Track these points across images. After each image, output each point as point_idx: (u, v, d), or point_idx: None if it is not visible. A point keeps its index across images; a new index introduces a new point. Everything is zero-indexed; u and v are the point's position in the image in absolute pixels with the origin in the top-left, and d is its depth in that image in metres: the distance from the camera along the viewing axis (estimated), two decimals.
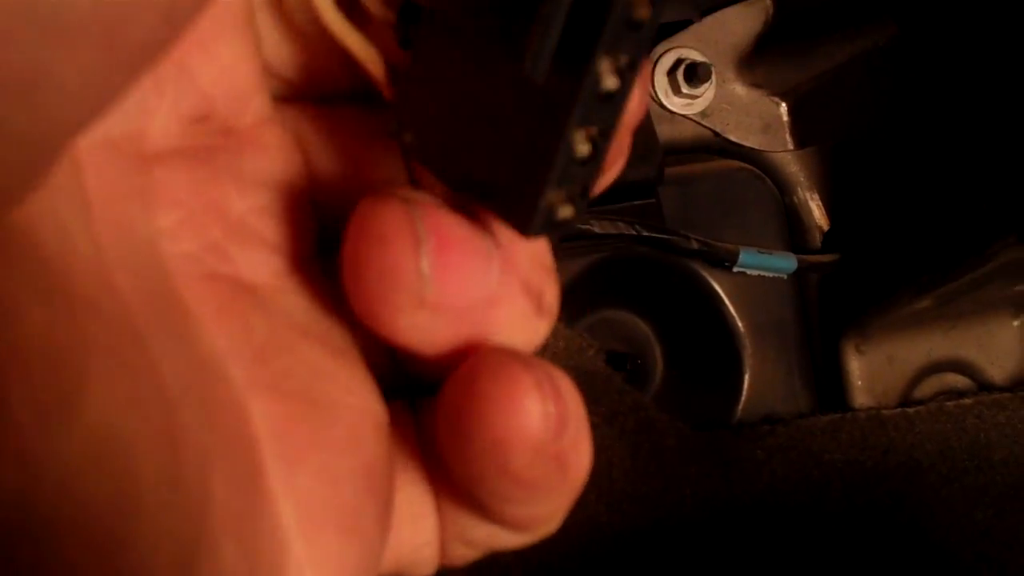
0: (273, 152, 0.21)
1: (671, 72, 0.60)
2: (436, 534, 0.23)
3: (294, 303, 0.21)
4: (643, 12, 0.16)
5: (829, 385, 0.63)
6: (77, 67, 0.12)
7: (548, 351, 0.56)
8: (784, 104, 0.62)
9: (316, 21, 0.19)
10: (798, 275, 0.62)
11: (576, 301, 0.60)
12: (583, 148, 0.17)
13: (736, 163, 0.62)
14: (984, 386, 0.64)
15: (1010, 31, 0.42)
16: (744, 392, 0.61)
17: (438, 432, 0.20)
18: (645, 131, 0.57)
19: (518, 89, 0.17)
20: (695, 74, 0.59)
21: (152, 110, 0.18)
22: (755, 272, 0.60)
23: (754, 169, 0.62)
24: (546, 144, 0.17)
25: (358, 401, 0.21)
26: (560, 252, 0.56)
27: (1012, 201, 0.46)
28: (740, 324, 0.61)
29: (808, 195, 0.64)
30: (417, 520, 0.22)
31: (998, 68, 0.43)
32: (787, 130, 0.63)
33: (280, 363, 0.20)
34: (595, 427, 0.56)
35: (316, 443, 0.20)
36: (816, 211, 0.64)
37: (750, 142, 0.62)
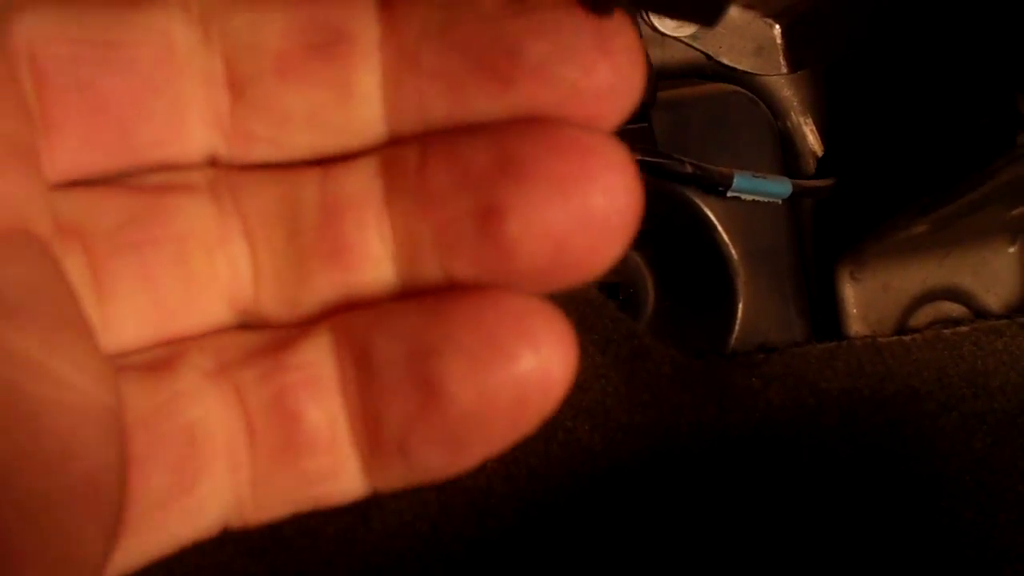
0: None
1: None
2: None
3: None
4: None
5: (824, 313, 0.62)
6: None
7: None
8: (778, 26, 0.61)
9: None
10: (792, 201, 0.61)
11: None
12: None
13: (728, 87, 0.61)
14: (980, 313, 0.63)
15: None
16: (738, 320, 0.60)
17: None
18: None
19: None
20: None
21: None
22: (749, 197, 0.59)
23: (747, 93, 0.61)
24: None
25: (75, 397, 0.17)
26: None
27: (1015, 113, 0.45)
28: (733, 251, 0.60)
29: (802, 119, 0.62)
30: None
31: None
32: (781, 53, 0.61)
33: None
34: (589, 355, 0.55)
35: (20, 461, 0.16)
36: (810, 136, 0.62)
37: (743, 65, 0.61)
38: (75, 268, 0.19)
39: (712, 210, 0.59)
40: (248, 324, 0.21)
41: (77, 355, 0.17)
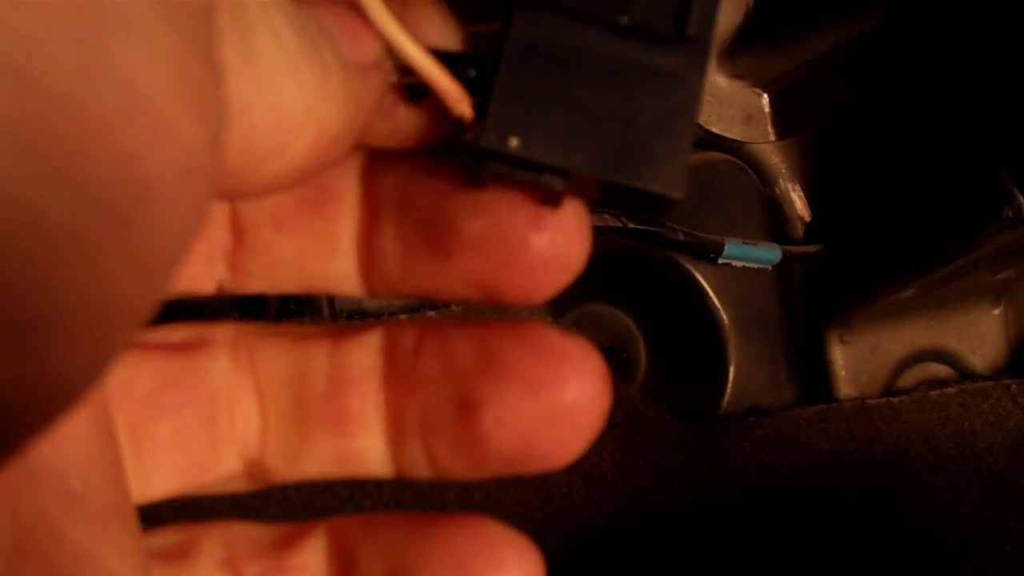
0: None
1: None
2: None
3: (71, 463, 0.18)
4: None
5: (813, 376, 0.63)
6: None
7: None
8: (766, 95, 0.62)
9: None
10: (781, 266, 0.62)
11: (561, 295, 0.59)
12: None
13: (718, 155, 0.62)
14: (966, 375, 0.64)
15: (993, 16, 0.42)
16: (729, 384, 0.61)
17: None
18: None
19: (641, 72, 0.19)
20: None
21: None
22: (740, 263, 0.60)
23: (736, 160, 0.62)
24: (680, 108, 0.18)
25: None
26: None
27: (1000, 185, 0.46)
28: (724, 316, 0.61)
29: (790, 186, 0.64)
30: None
31: (982, 52, 0.43)
32: (769, 121, 0.63)
33: (40, 553, 0.17)
34: None
35: None
36: (798, 202, 0.64)
37: (732, 133, 0.62)
38: (116, 428, 0.20)
39: (704, 276, 0.61)
40: (252, 475, 0.23)
41: (123, 546, 0.18)
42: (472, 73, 0.19)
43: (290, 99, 0.17)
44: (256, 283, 0.22)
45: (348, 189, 0.22)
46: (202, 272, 0.22)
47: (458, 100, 0.19)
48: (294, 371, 0.22)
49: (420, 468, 0.21)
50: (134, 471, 0.21)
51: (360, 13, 0.19)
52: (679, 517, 0.57)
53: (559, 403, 0.20)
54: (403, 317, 0.53)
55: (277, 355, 0.22)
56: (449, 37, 0.20)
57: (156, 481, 0.22)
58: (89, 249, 0.12)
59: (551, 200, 0.20)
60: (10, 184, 0.11)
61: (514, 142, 0.18)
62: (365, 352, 0.22)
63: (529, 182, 0.19)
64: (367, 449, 0.22)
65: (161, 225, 0.13)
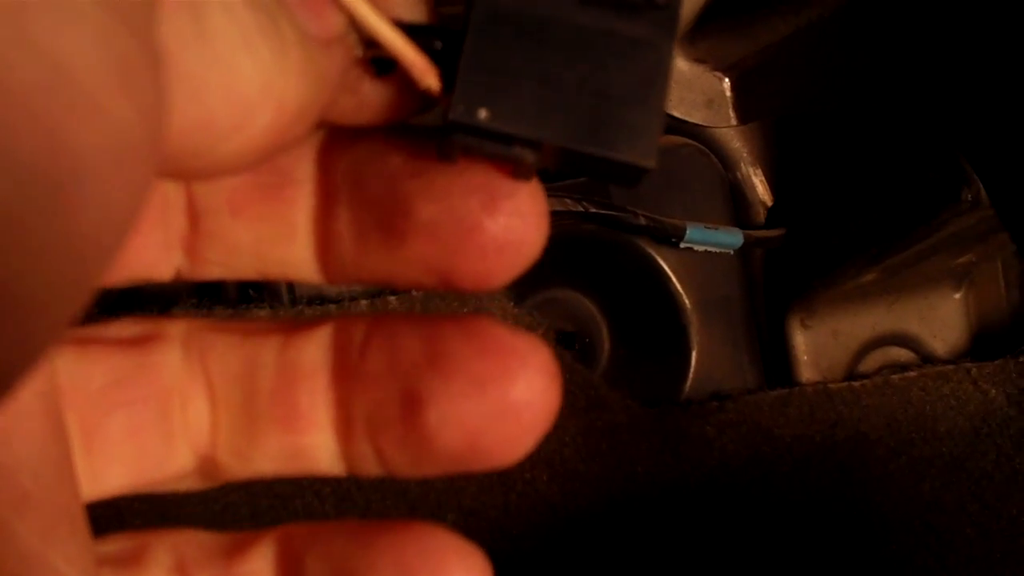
0: None
1: None
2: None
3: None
4: None
5: (776, 360, 0.63)
6: None
7: None
8: (727, 79, 0.62)
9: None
10: (743, 251, 0.62)
11: (523, 280, 0.59)
12: None
13: (680, 139, 0.62)
14: (927, 359, 0.64)
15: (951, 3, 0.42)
16: (692, 369, 0.61)
17: None
18: None
19: (610, 41, 0.18)
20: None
21: None
22: (702, 248, 0.60)
23: (698, 145, 0.62)
24: (652, 76, 0.18)
25: None
26: None
27: (959, 168, 0.46)
28: (687, 300, 0.61)
29: (752, 170, 0.64)
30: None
31: (940, 37, 0.43)
32: (730, 105, 0.62)
33: None
34: None
35: None
36: (760, 186, 0.64)
37: (694, 118, 0.62)
38: (67, 425, 0.20)
39: (666, 260, 0.61)
40: (204, 472, 0.22)
41: (71, 549, 0.18)
42: (438, 45, 0.19)
43: (247, 76, 0.16)
44: (214, 270, 0.22)
45: (305, 173, 0.21)
46: (159, 259, 0.22)
47: (424, 72, 0.19)
48: (244, 367, 0.22)
49: (369, 465, 0.21)
50: (86, 468, 0.21)
51: None
52: (642, 502, 0.56)
53: (505, 400, 0.20)
54: (363, 303, 0.53)
55: (228, 351, 0.22)
56: (415, 11, 0.20)
57: (108, 478, 0.21)
58: (16, 230, 0.12)
59: (522, 173, 0.19)
60: None
61: (483, 113, 0.18)
62: (315, 348, 0.21)
63: (499, 154, 0.19)
64: (317, 446, 0.21)
65: (94, 206, 0.13)
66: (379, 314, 0.21)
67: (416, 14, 0.20)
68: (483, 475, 0.54)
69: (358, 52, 0.19)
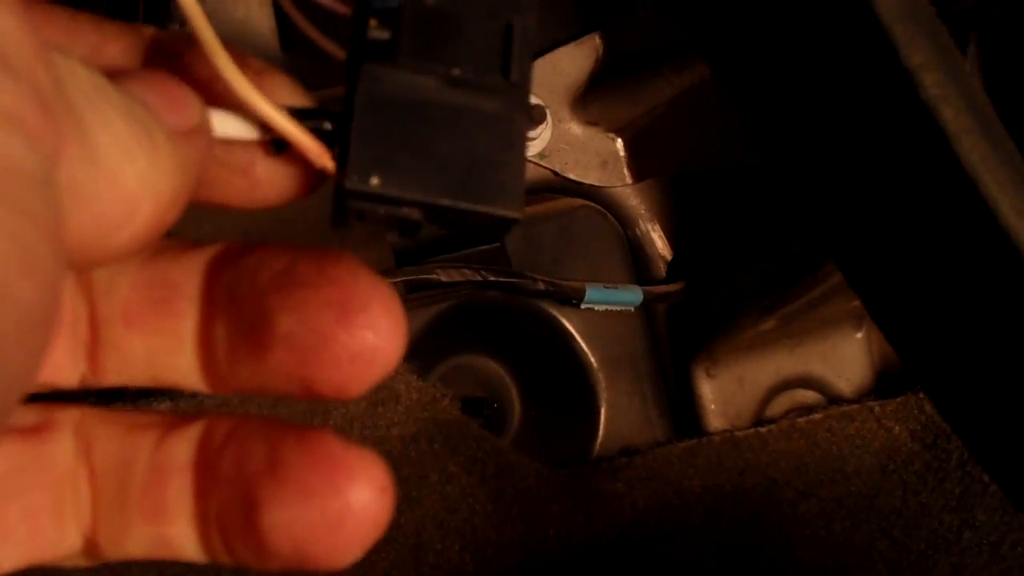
0: None
1: None
2: None
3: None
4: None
5: (684, 412, 0.64)
6: None
7: (402, 404, 0.56)
8: (620, 140, 0.64)
9: None
10: (646, 306, 0.63)
11: (428, 351, 0.60)
12: None
13: (577, 201, 0.63)
14: (833, 399, 0.66)
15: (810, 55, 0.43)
16: (601, 426, 0.62)
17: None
18: None
19: (474, 116, 0.21)
20: (530, 117, 0.60)
21: None
22: (603, 307, 0.61)
23: (595, 206, 0.63)
24: (511, 143, 0.21)
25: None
26: (407, 304, 0.56)
27: (826, 224, 0.48)
28: (593, 359, 0.62)
29: (650, 226, 0.65)
30: None
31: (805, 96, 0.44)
32: (624, 165, 0.64)
33: None
34: (455, 477, 0.57)
35: None
36: (659, 242, 0.65)
37: (589, 179, 0.63)
38: None
39: (569, 321, 0.62)
40: (89, 553, 0.24)
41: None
42: (328, 126, 0.22)
43: (130, 181, 0.18)
44: (111, 378, 0.24)
45: (193, 288, 0.23)
46: (67, 366, 0.23)
47: (319, 155, 0.21)
48: (122, 459, 0.23)
49: (223, 557, 0.23)
50: None
51: (180, 82, 0.20)
52: (556, 564, 0.57)
53: (330, 510, 0.21)
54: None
55: (110, 442, 0.23)
56: (298, 101, 0.22)
57: (3, 556, 0.22)
58: None
59: (408, 231, 0.22)
60: None
61: (374, 180, 0.21)
62: (184, 446, 0.23)
63: (391, 215, 0.21)
64: (181, 536, 0.23)
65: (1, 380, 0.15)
66: (243, 416, 0.23)
67: (297, 99, 0.22)
68: (393, 550, 0.55)
69: (255, 135, 0.21)
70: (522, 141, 0.22)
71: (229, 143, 0.22)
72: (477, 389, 0.63)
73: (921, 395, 0.64)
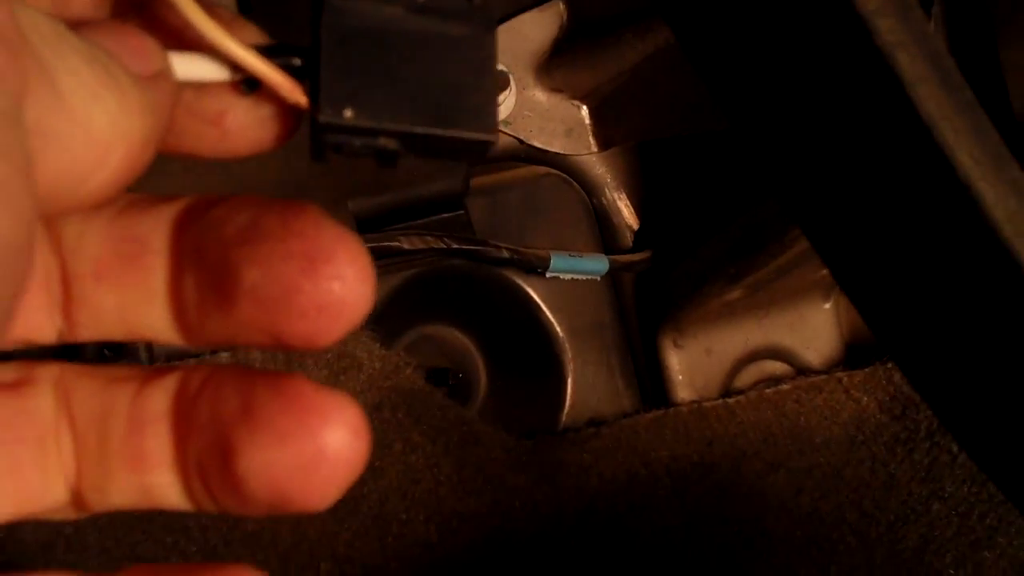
0: None
1: None
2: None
3: None
4: None
5: (651, 383, 0.64)
6: None
7: (364, 373, 0.55)
8: (585, 107, 0.63)
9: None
10: (612, 275, 0.62)
11: (392, 320, 0.59)
12: None
13: (542, 168, 0.62)
14: (801, 370, 0.65)
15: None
16: (568, 396, 0.61)
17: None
18: None
19: (442, 41, 0.22)
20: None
21: None
22: (568, 276, 0.60)
23: (560, 174, 0.62)
24: (480, 66, 0.22)
25: None
26: None
27: (789, 191, 0.47)
28: (559, 329, 0.61)
29: (616, 195, 0.64)
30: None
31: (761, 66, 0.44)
32: (590, 132, 0.63)
33: None
34: (419, 446, 0.56)
35: None
36: (625, 211, 0.64)
37: (554, 147, 0.62)
38: None
39: (535, 290, 0.61)
40: (76, 505, 0.24)
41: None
42: (297, 62, 0.22)
43: (99, 123, 0.19)
44: (85, 332, 0.24)
45: (161, 243, 0.23)
46: (44, 323, 0.23)
47: (291, 90, 0.21)
48: (101, 411, 0.23)
49: (207, 503, 0.23)
50: None
51: (140, 30, 0.21)
52: (521, 535, 0.56)
53: (305, 453, 0.21)
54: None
55: (90, 396, 0.24)
56: (259, 35, 0.23)
57: None
58: None
59: (387, 161, 0.22)
60: None
61: (348, 113, 0.21)
62: (161, 396, 0.23)
63: (368, 147, 0.21)
64: (164, 484, 0.23)
65: None
66: (217, 366, 0.23)
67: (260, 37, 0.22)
68: (357, 520, 0.54)
69: (226, 76, 0.22)
70: (491, 63, 0.22)
71: (200, 90, 0.22)
72: (442, 359, 0.62)
73: (889, 366, 0.63)
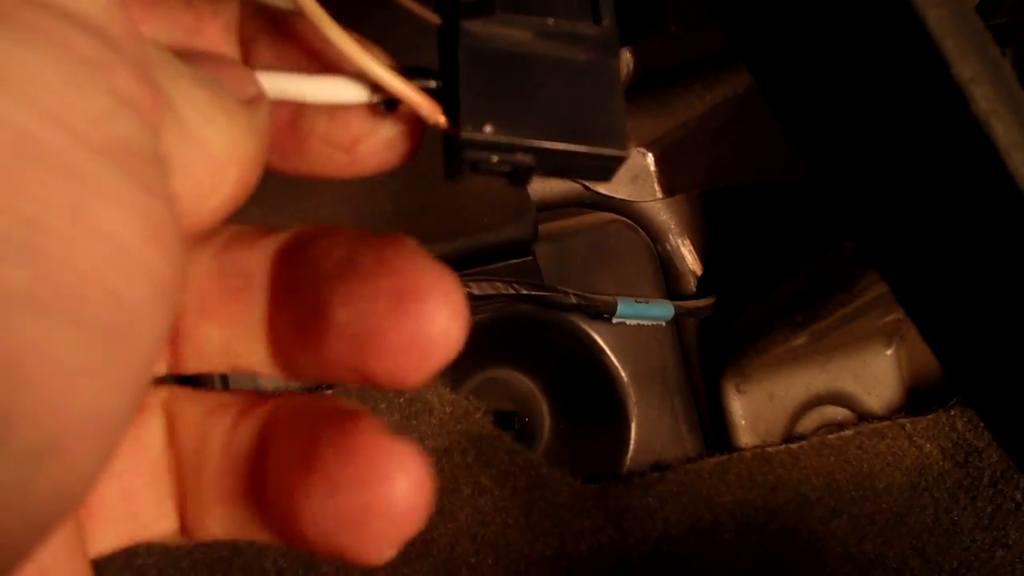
0: None
1: None
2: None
3: None
4: None
5: (714, 427, 0.64)
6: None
7: (435, 416, 0.56)
8: (650, 154, 0.64)
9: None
10: (676, 321, 0.63)
11: (460, 364, 0.60)
12: None
13: (608, 215, 0.63)
14: (863, 416, 0.65)
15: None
16: (632, 440, 0.62)
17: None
18: (517, 191, 0.58)
19: (570, 64, 0.22)
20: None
21: None
22: (634, 321, 0.61)
23: (626, 220, 0.63)
24: (607, 86, 0.22)
25: None
26: None
27: (872, 239, 0.47)
28: (623, 373, 0.62)
29: (680, 241, 0.65)
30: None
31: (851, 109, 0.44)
32: (655, 180, 0.64)
33: None
34: (488, 490, 0.57)
35: None
36: (688, 257, 0.65)
37: (620, 193, 0.63)
38: None
39: (600, 335, 0.62)
40: (184, 532, 0.24)
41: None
42: (433, 84, 0.22)
43: (216, 145, 0.19)
44: (189, 365, 0.24)
45: (264, 275, 0.23)
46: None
47: (432, 111, 0.22)
48: (201, 440, 0.23)
49: (279, 537, 0.23)
50: (85, 529, 0.22)
51: (233, 59, 0.22)
52: None
53: (357, 505, 0.21)
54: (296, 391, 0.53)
55: (192, 424, 0.24)
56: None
57: (103, 539, 0.23)
58: (92, 372, 0.15)
59: (520, 179, 0.23)
60: (31, 334, 0.14)
61: (488, 128, 0.22)
62: (251, 428, 0.23)
63: (504, 162, 0.22)
64: (249, 519, 0.23)
65: (142, 342, 0.16)
66: (306, 399, 0.23)
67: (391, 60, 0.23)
68: (427, 562, 0.55)
69: (372, 98, 0.22)
70: (617, 83, 0.23)
71: (334, 119, 0.22)
72: (508, 402, 0.62)
73: (952, 412, 0.64)
